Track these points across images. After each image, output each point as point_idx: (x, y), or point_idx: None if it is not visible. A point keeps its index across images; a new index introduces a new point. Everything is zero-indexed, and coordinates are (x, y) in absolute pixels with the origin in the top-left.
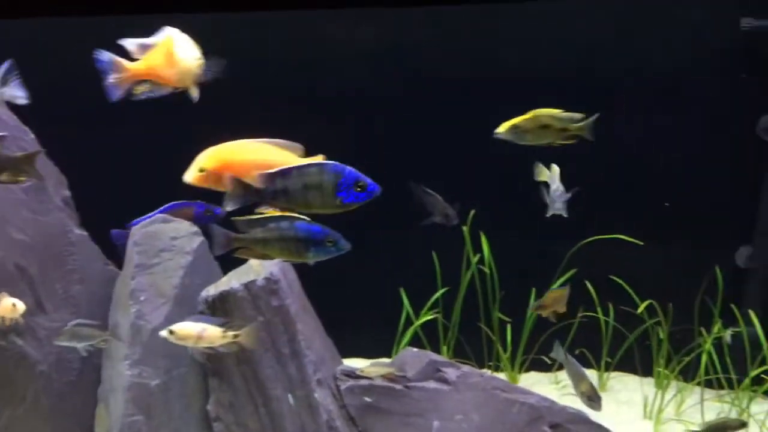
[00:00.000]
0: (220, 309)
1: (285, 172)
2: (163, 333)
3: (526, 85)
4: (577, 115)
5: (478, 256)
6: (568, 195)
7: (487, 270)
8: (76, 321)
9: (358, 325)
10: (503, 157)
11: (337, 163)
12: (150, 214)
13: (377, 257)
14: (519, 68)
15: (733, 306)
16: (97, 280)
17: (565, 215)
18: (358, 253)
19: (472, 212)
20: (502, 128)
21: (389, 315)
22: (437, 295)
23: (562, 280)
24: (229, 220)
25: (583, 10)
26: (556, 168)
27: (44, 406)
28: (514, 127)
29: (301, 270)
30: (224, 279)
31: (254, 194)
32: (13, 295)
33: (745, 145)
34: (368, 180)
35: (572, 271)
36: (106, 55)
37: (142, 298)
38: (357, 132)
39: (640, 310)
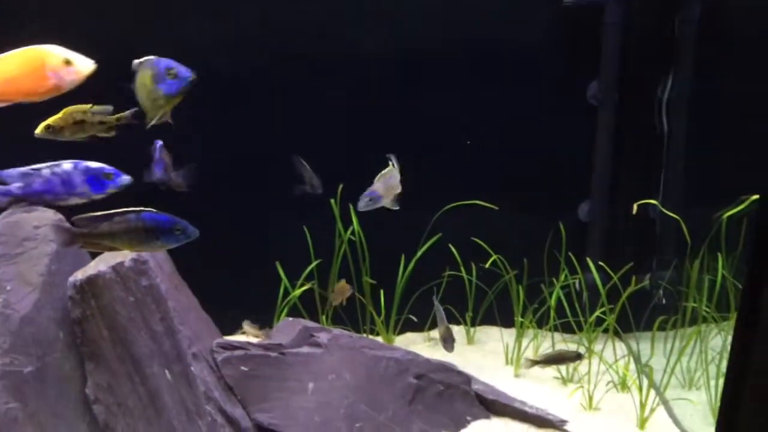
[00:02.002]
0: (89, 292)
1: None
2: None
3: (365, 61)
4: (109, 107)
5: (351, 228)
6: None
7: (356, 240)
8: None
9: (239, 302)
10: (365, 132)
11: (149, 58)
12: None
13: (253, 234)
14: (356, 42)
15: (570, 256)
16: None
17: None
18: (233, 231)
19: (341, 186)
20: (39, 129)
21: (268, 289)
22: (311, 266)
23: (429, 244)
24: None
25: None
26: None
27: None
28: (48, 126)
29: (177, 251)
30: (92, 263)
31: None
32: None
33: (578, 110)
34: (181, 66)
35: (437, 236)
36: None
37: (8, 288)
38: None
39: (487, 264)
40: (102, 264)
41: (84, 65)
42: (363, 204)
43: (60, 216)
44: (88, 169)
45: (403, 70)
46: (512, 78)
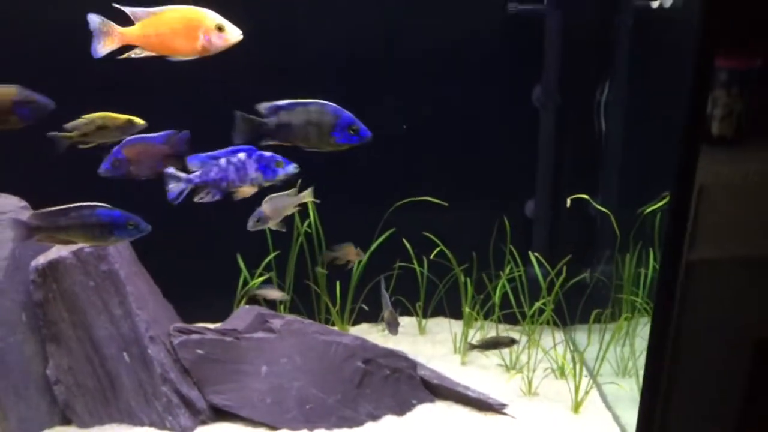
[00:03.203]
0: (50, 276)
1: (290, 107)
2: None
3: (318, 64)
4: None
5: (307, 221)
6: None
7: (312, 232)
8: None
9: (200, 292)
10: None
11: (336, 105)
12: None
13: (214, 226)
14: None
15: (513, 250)
16: None
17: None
18: (195, 226)
19: (299, 181)
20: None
21: (228, 280)
22: (269, 258)
23: (382, 238)
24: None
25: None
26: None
27: None
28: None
29: (140, 242)
30: (54, 248)
31: (259, 128)
32: None
33: (525, 113)
34: (362, 125)
35: (391, 230)
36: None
37: None
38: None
39: (432, 255)
40: (63, 249)
41: (234, 33)
42: (251, 224)
43: (25, 203)
44: (261, 157)
45: (354, 71)
46: (463, 82)
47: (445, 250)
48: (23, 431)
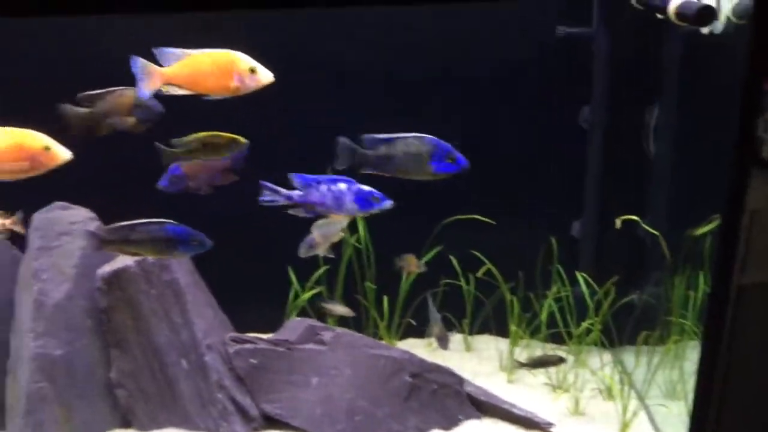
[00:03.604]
0: (116, 284)
1: (390, 140)
2: None
3: (371, 86)
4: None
5: (355, 236)
6: None
7: (362, 246)
8: None
9: (253, 303)
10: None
11: (433, 137)
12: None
13: (268, 242)
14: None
15: (560, 270)
16: (2, 262)
17: None
18: (249, 240)
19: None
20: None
21: (280, 293)
22: (319, 271)
23: (431, 254)
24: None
25: (417, 21)
26: None
27: None
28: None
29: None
30: (120, 257)
31: (360, 158)
32: None
33: (571, 133)
34: (458, 154)
35: (438, 247)
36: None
37: (44, 277)
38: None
39: (479, 273)
40: (128, 259)
41: (265, 76)
42: (302, 251)
43: (93, 214)
44: (359, 191)
45: (407, 91)
46: (512, 102)
47: (492, 268)
48: None
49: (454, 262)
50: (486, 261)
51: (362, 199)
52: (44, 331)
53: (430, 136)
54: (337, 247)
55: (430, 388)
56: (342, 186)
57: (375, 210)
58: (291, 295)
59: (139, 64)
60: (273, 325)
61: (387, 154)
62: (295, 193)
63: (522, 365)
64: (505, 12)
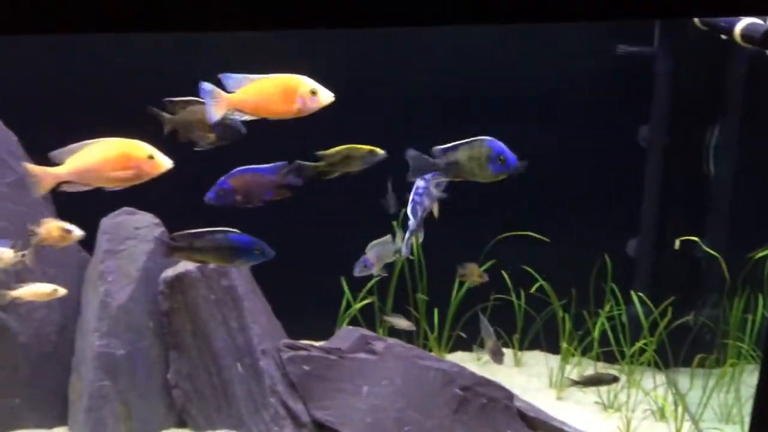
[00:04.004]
0: (177, 288)
1: (455, 147)
2: None
3: (446, 104)
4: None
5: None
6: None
7: (415, 258)
8: None
9: (306, 312)
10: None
11: (491, 138)
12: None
13: (322, 253)
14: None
15: (614, 288)
16: (71, 264)
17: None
18: (304, 250)
19: (403, 210)
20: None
21: (332, 302)
22: (372, 282)
23: (483, 269)
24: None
25: (485, 44)
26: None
27: (24, 374)
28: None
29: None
30: (181, 263)
31: (431, 166)
32: None
33: (629, 152)
34: (509, 155)
35: (491, 261)
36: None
37: (110, 279)
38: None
39: (532, 289)
40: (190, 264)
41: (326, 97)
42: (358, 270)
43: (157, 220)
44: (433, 176)
45: (467, 110)
46: (570, 120)
47: (544, 285)
48: (143, 431)
49: (506, 277)
50: (538, 277)
51: (438, 182)
52: (108, 331)
53: (489, 138)
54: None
55: (480, 401)
56: (420, 183)
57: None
58: (343, 304)
59: (207, 89)
60: (324, 334)
61: (455, 161)
62: (414, 225)
63: (575, 383)
64: (565, 30)
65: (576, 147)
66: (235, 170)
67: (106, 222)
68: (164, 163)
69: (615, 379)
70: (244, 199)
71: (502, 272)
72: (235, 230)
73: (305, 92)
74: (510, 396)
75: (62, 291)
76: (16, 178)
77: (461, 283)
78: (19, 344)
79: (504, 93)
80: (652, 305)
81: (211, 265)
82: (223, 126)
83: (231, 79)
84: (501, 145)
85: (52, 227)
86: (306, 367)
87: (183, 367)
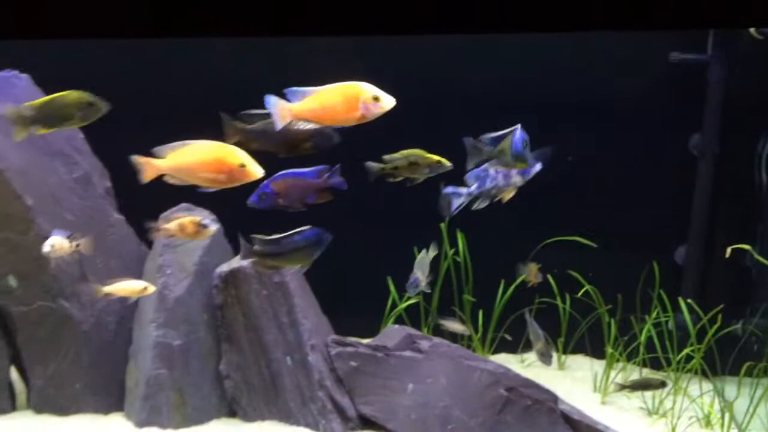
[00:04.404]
0: (231, 283)
1: (501, 136)
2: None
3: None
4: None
5: (453, 249)
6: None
7: (461, 260)
8: None
9: (352, 310)
10: None
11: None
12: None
13: (369, 253)
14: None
15: (663, 296)
16: (131, 257)
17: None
18: (352, 250)
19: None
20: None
21: (378, 301)
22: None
23: (523, 276)
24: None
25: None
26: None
27: (85, 360)
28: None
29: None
30: (236, 258)
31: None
32: (62, 265)
33: (679, 160)
34: (518, 147)
35: (537, 265)
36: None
37: (168, 272)
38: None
39: (579, 294)
40: (244, 259)
41: (388, 102)
42: (411, 291)
43: (214, 216)
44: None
45: (518, 115)
46: (621, 126)
47: (590, 290)
48: (196, 419)
49: (551, 281)
50: (584, 282)
51: (523, 170)
52: (165, 322)
53: (518, 129)
54: (435, 261)
55: (525, 403)
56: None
57: (532, 175)
58: (388, 304)
59: (272, 101)
60: (369, 333)
61: (501, 149)
62: (473, 188)
63: (623, 387)
64: (620, 37)
65: (627, 153)
66: (277, 174)
67: (165, 217)
68: (255, 172)
69: (663, 384)
70: (285, 203)
71: (548, 276)
72: (306, 227)
73: (367, 98)
74: (554, 398)
75: (152, 288)
76: (82, 173)
77: (506, 286)
78: (81, 332)
79: (558, 100)
80: (701, 312)
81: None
82: (321, 133)
83: (295, 92)
84: (520, 135)
85: (186, 222)
86: (353, 363)
87: (235, 358)
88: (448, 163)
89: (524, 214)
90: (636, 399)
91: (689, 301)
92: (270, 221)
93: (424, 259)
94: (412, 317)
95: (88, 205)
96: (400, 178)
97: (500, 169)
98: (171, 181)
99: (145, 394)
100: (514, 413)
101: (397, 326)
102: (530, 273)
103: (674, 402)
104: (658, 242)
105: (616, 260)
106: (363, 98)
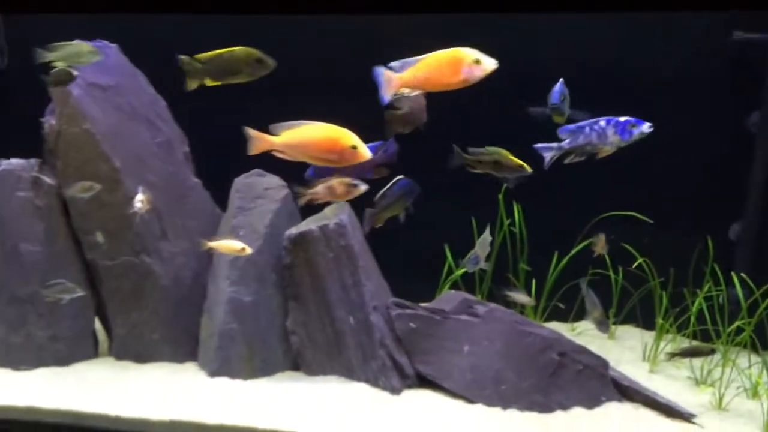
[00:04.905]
0: (299, 245)
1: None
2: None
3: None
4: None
5: (509, 220)
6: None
7: (516, 231)
8: None
9: (411, 275)
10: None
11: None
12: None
13: (428, 221)
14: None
15: (716, 268)
16: (207, 218)
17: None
18: (412, 218)
19: (504, 185)
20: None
21: (435, 268)
22: (471, 252)
23: (582, 245)
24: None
25: (601, 32)
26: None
27: (163, 312)
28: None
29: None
30: (304, 222)
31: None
32: (145, 223)
33: (739, 137)
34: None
35: (590, 240)
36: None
37: (241, 233)
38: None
39: (633, 266)
40: (312, 223)
41: (489, 64)
42: (470, 267)
43: (284, 182)
44: (617, 123)
45: (580, 89)
46: (681, 103)
47: (643, 264)
48: (263, 371)
49: (605, 254)
50: (637, 255)
51: (623, 130)
52: (238, 279)
53: (559, 83)
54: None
55: (576, 367)
56: (602, 123)
57: (636, 136)
58: (444, 270)
59: (380, 72)
60: (425, 298)
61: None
62: (565, 143)
63: (673, 355)
64: (680, 16)
65: (686, 130)
66: None
67: (239, 181)
68: (365, 154)
69: (712, 351)
70: (342, 176)
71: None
72: (399, 177)
73: (470, 62)
74: (605, 364)
75: (249, 250)
76: (164, 139)
77: (559, 257)
78: (160, 286)
79: (617, 79)
80: (754, 287)
81: (332, 225)
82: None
83: (401, 63)
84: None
85: (335, 184)
86: (412, 325)
87: (300, 316)
88: (529, 169)
89: (581, 188)
90: (684, 369)
91: (742, 275)
92: None
93: (486, 239)
94: (467, 284)
95: (169, 169)
96: (480, 171)
97: (597, 127)
98: (279, 156)
99: (219, 345)
100: (565, 377)
101: (453, 292)
102: (598, 243)
103: (722, 373)
104: (712, 218)
105: (670, 235)
106: (465, 62)
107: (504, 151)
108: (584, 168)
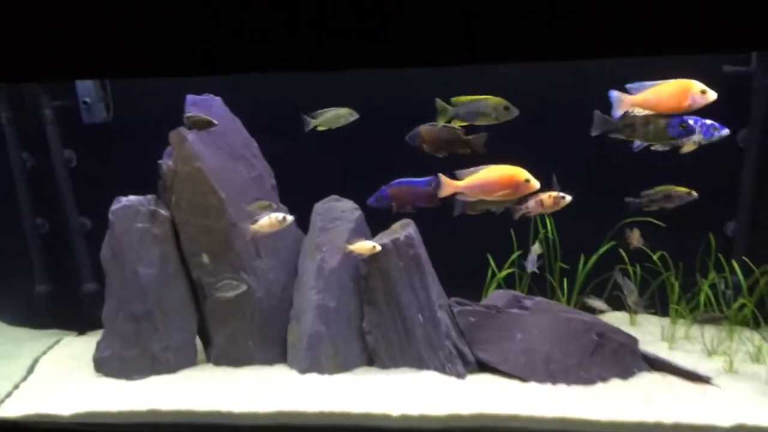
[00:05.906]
0: (374, 257)
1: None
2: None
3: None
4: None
5: (543, 231)
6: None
7: (551, 236)
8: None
9: (457, 279)
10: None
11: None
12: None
13: (471, 232)
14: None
15: (720, 258)
16: (292, 239)
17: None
18: (460, 230)
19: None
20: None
21: (478, 273)
22: (513, 257)
23: (606, 247)
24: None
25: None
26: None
27: (257, 320)
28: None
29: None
30: (376, 237)
31: (611, 125)
32: (243, 244)
33: (732, 152)
34: (690, 121)
35: (613, 242)
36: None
37: (324, 249)
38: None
39: (655, 256)
40: (385, 237)
41: (712, 95)
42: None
43: (356, 205)
44: (703, 124)
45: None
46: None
47: (655, 255)
48: (345, 366)
49: (623, 255)
50: (651, 253)
51: (706, 131)
52: (323, 288)
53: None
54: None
55: (612, 346)
56: (690, 122)
57: (716, 138)
58: (488, 275)
59: (614, 94)
60: (471, 296)
61: (631, 123)
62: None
63: (697, 321)
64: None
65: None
66: (394, 181)
67: (319, 206)
68: (535, 185)
69: (724, 317)
70: (398, 205)
71: (620, 250)
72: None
73: (696, 92)
74: (636, 342)
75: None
76: (257, 173)
77: (586, 256)
78: (255, 298)
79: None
80: (755, 269)
81: (402, 237)
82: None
83: (636, 85)
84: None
85: (544, 198)
86: (472, 319)
87: (374, 317)
88: (695, 195)
89: (602, 196)
90: (698, 344)
91: (743, 258)
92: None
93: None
94: (508, 286)
95: (261, 198)
96: (653, 209)
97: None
98: (461, 198)
99: (308, 346)
100: (604, 354)
101: (502, 290)
102: (633, 238)
103: (730, 344)
104: (711, 218)
105: (680, 234)
106: (693, 91)
107: (671, 186)
108: (604, 177)
